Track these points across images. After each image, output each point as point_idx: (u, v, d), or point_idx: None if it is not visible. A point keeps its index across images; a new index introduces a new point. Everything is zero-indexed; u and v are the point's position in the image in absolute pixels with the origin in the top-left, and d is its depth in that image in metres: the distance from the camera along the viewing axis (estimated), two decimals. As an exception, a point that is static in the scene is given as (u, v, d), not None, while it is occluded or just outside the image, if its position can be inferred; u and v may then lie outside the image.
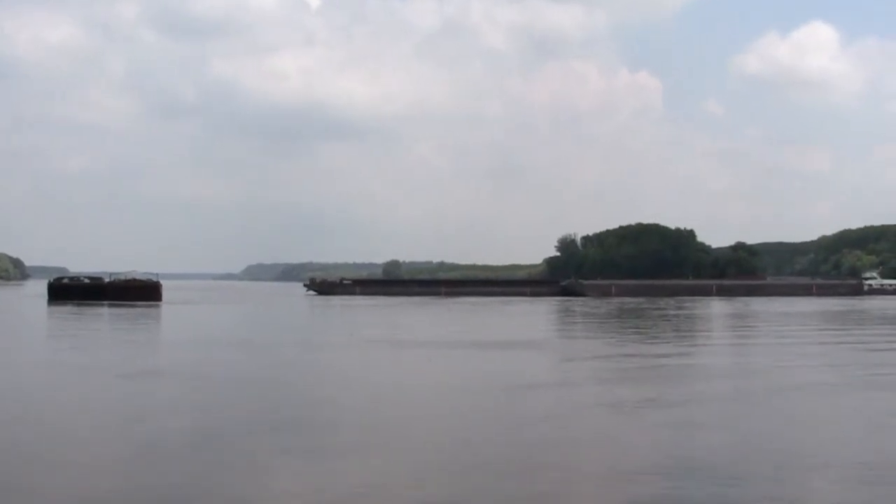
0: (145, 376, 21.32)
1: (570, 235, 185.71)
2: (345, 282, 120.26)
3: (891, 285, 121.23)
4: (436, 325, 46.64)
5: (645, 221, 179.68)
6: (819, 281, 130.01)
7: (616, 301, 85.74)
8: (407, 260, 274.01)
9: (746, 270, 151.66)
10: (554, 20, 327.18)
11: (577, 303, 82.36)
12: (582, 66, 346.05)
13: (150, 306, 63.18)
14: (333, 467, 11.48)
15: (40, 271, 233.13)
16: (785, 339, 35.92)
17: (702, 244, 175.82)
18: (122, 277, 78.90)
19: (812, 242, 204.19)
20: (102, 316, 52.99)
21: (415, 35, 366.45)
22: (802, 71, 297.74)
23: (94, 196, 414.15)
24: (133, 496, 9.95)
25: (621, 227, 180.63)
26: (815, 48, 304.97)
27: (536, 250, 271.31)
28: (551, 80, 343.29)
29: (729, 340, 37.35)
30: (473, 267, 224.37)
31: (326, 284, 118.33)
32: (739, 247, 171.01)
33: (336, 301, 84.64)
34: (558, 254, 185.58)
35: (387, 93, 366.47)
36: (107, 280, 78.68)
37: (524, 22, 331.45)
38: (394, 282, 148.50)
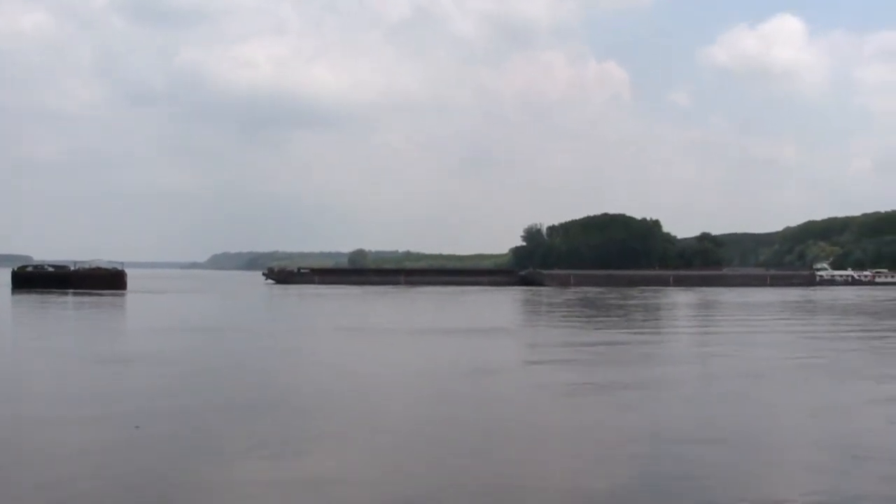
0: (117, 362, 22.24)
1: (536, 225, 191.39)
2: (303, 271, 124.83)
3: (841, 276, 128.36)
4: (393, 313, 49.13)
5: (612, 211, 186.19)
6: (773, 272, 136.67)
7: (574, 291, 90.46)
8: (373, 249, 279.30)
9: (712, 261, 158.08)
10: (524, 9, 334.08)
11: (534, 292, 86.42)
12: (551, 56, 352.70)
13: (115, 295, 65.72)
14: (299, 450, 11.94)
15: (4, 259, 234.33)
16: (737, 327, 38.13)
17: (667, 234, 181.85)
18: (87, 266, 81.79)
19: (777, 233, 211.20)
20: (67, 304, 55.01)
21: (385, 24, 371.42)
22: (770, 62, 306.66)
23: (61, 184, 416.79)
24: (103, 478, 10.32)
25: (587, 218, 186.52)
26: (783, 40, 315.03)
27: (504, 240, 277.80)
28: (521, 70, 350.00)
29: (686, 328, 40.08)
30: (440, 256, 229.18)
31: (285, 273, 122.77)
32: (705, 237, 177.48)
33: (293, 290, 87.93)
34: (524, 244, 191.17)
35: (357, 82, 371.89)
36: (71, 268, 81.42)
37: (494, 11, 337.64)
38: (352, 271, 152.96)
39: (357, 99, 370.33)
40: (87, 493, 9.67)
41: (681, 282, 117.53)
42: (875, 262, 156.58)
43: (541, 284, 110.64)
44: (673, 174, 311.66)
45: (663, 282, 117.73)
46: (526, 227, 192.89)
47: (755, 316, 46.99)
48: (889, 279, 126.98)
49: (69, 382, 18.70)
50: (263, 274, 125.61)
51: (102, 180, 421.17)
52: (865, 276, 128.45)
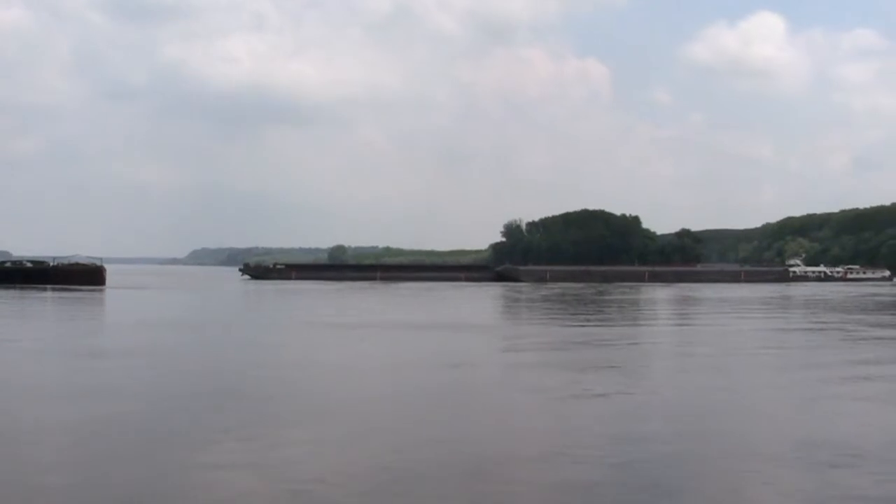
0: (96, 356, 22.97)
1: (515, 221, 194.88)
2: (278, 266, 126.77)
3: (813, 272, 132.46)
4: (361, 309, 49.99)
5: (591, 208, 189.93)
6: (747, 268, 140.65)
7: (549, 286, 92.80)
8: (353, 245, 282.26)
9: (691, 257, 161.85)
10: (504, 5, 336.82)
11: (509, 288, 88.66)
12: (531, 53, 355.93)
13: (94, 291, 66.56)
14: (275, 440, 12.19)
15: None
16: (704, 320, 40.93)
17: (647, 231, 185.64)
18: (66, 262, 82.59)
19: (756, 230, 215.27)
20: (46, 300, 55.68)
21: (365, 20, 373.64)
22: (749, 60, 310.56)
23: (40, 179, 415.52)
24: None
25: (567, 214, 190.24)
26: (763, 38, 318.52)
27: (483, 236, 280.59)
28: (501, 66, 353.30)
29: (656, 322, 41.66)
30: (419, 252, 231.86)
31: (261, 269, 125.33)
32: (684, 234, 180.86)
33: (269, 286, 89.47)
34: (504, 239, 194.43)
35: (337, 77, 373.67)
36: (51, 264, 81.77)
37: (475, 7, 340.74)
38: (328, 266, 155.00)
39: (337, 95, 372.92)
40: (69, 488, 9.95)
41: (656, 278, 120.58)
42: (853, 258, 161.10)
43: (517, 280, 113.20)
44: (653, 170, 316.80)
45: (639, 277, 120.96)
46: (505, 222, 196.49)
47: (719, 310, 49.25)
48: (860, 275, 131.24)
49: (49, 377, 19.27)
50: (240, 270, 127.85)
51: (82, 176, 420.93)
52: (837, 273, 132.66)
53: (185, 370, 20.32)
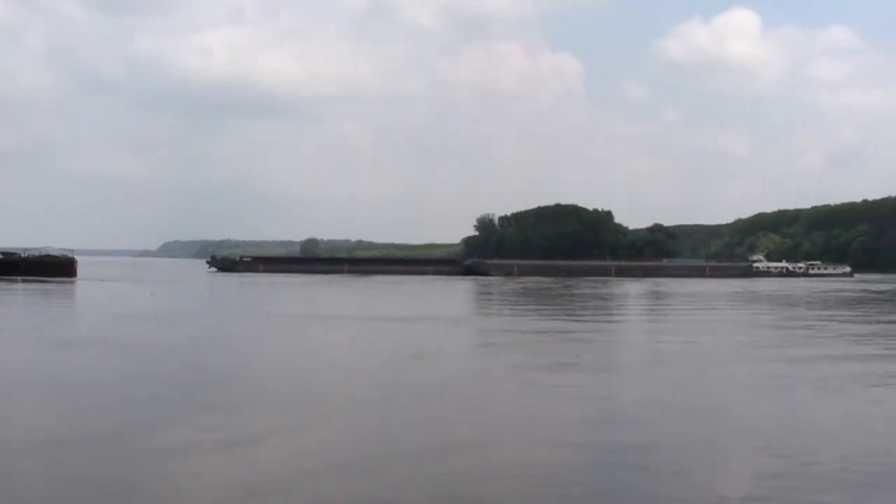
0: (67, 346, 23.60)
1: (488, 215, 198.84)
2: (245, 259, 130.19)
3: (776, 268, 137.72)
4: (320, 302, 52.13)
5: (564, 202, 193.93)
6: (713, 263, 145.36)
7: (516, 281, 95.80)
8: (326, 238, 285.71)
9: (663, 252, 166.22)
10: (480, 1, 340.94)
11: (477, 282, 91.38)
12: (506, 47, 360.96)
13: (65, 282, 68.23)
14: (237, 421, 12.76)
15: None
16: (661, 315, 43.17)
17: (619, 226, 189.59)
18: (37, 253, 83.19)
19: (728, 225, 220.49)
20: (16, 291, 56.98)
21: (343, 14, 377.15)
22: (724, 56, 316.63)
23: (12, 171, 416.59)
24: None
25: (539, 208, 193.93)
26: (737, 34, 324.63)
27: (457, 230, 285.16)
28: (476, 61, 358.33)
29: (632, 317, 43.33)
30: (391, 246, 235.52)
31: (228, 262, 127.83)
32: (656, 228, 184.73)
33: (235, 278, 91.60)
34: (477, 234, 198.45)
35: (313, 71, 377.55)
36: (21, 255, 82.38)
37: (451, 2, 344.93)
38: (295, 259, 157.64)
39: (312, 88, 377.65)
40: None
41: (623, 272, 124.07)
42: (823, 254, 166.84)
43: (485, 274, 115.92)
44: (627, 166, 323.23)
45: (606, 272, 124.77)
46: (478, 216, 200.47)
47: (676, 305, 51.85)
48: (822, 271, 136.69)
49: (17, 367, 19.95)
50: (207, 262, 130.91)
51: (54, 167, 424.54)
52: (799, 269, 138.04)
53: (129, 361, 20.52)
